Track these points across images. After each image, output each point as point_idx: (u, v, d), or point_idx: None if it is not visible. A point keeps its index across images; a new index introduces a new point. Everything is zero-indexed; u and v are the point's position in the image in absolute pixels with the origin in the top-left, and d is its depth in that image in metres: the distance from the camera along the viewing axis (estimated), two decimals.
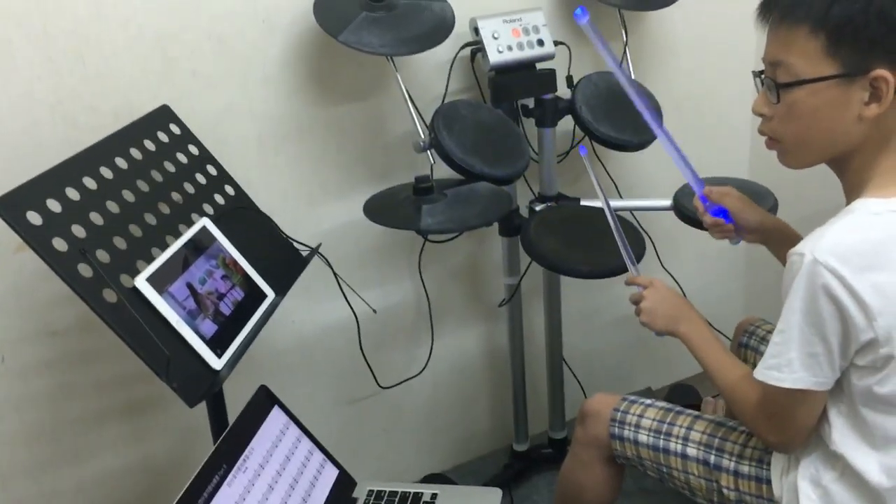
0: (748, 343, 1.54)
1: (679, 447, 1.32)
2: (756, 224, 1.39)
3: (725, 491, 1.27)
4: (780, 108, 1.09)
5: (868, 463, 1.08)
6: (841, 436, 1.10)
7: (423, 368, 1.95)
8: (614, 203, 1.82)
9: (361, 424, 1.97)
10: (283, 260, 1.50)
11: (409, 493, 1.37)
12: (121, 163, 1.28)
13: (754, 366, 1.45)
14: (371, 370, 1.85)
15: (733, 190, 1.42)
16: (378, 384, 1.88)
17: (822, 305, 1.02)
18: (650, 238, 2.00)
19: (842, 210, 1.07)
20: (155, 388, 1.14)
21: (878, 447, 1.08)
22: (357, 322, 1.77)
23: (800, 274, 1.02)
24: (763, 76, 1.12)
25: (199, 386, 1.17)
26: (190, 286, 1.21)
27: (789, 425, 1.13)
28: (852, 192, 1.10)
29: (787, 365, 1.06)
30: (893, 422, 1.06)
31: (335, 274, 1.64)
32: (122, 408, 1.64)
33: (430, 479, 2.00)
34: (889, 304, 1.00)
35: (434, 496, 1.36)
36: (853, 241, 1.02)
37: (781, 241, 1.37)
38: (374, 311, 1.82)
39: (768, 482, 1.22)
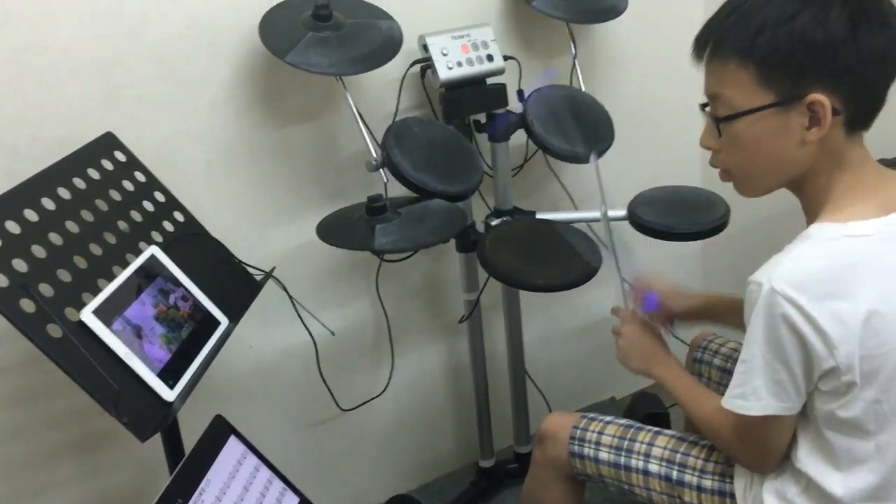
0: (702, 358, 1.55)
1: (640, 464, 1.31)
2: (685, 307, 1.45)
3: None
4: (724, 140, 1.10)
5: (832, 483, 1.08)
6: (806, 455, 1.10)
7: (385, 389, 1.93)
8: (569, 215, 1.83)
9: (324, 448, 1.94)
10: (236, 285, 1.48)
11: None
12: (63, 193, 1.25)
13: (709, 380, 1.47)
14: (331, 393, 1.83)
15: (657, 276, 1.48)
16: (339, 407, 1.86)
17: (783, 334, 1.01)
18: (612, 249, 2.01)
19: (799, 236, 1.07)
20: (108, 422, 1.11)
21: (843, 468, 1.08)
22: (315, 345, 1.75)
23: (758, 303, 1.02)
24: (706, 109, 1.13)
25: (152, 419, 1.14)
26: (140, 316, 1.18)
27: (762, 449, 1.13)
28: (811, 214, 1.10)
29: (753, 393, 1.06)
30: (857, 444, 1.06)
31: (290, 297, 1.62)
32: (76, 444, 1.60)
33: (394, 500, 1.97)
34: (848, 333, 0.99)
35: None
36: (810, 270, 1.01)
37: (727, 310, 1.42)
38: (333, 333, 1.80)
39: (732, 496, 1.22)
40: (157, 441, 1.32)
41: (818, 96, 1.00)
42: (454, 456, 2.17)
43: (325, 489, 1.94)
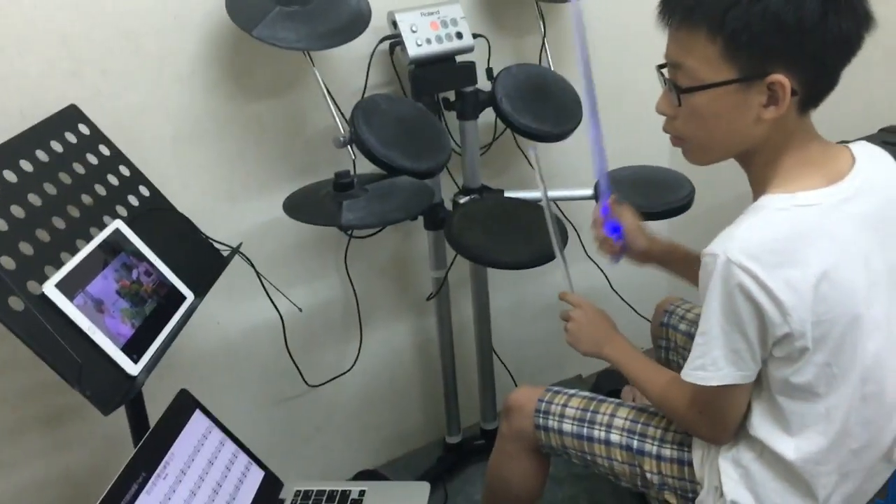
0: (669, 322, 1.57)
1: (602, 434, 1.34)
2: (643, 248, 1.46)
3: (649, 475, 1.30)
4: (682, 110, 1.11)
5: (784, 444, 1.11)
6: (759, 421, 1.13)
7: (353, 365, 1.94)
8: (537, 194, 1.84)
9: (292, 424, 1.95)
10: (202, 261, 1.47)
11: (337, 491, 1.36)
12: (26, 165, 1.23)
13: (675, 344, 1.50)
14: (298, 369, 1.83)
15: (632, 208, 1.48)
16: (306, 383, 1.86)
17: (739, 304, 1.03)
18: (574, 227, 2.03)
19: (749, 208, 1.09)
20: (73, 396, 1.10)
21: (794, 433, 1.11)
22: (282, 321, 1.75)
23: (714, 274, 1.04)
24: (665, 76, 1.13)
25: (115, 393, 1.14)
26: (103, 291, 1.18)
27: (720, 419, 1.16)
28: (758, 186, 1.13)
29: (713, 364, 1.08)
30: (808, 408, 1.09)
31: (257, 273, 1.61)
32: (40, 418, 1.59)
33: (361, 475, 1.99)
34: (801, 299, 1.02)
35: (362, 493, 1.35)
36: (763, 239, 1.03)
37: (678, 262, 1.44)
38: (300, 309, 1.80)
39: (690, 464, 1.25)
40: (122, 416, 1.32)
41: (779, 77, 1.02)
42: (422, 432, 2.19)
43: (292, 465, 1.95)
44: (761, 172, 1.12)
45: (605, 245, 1.46)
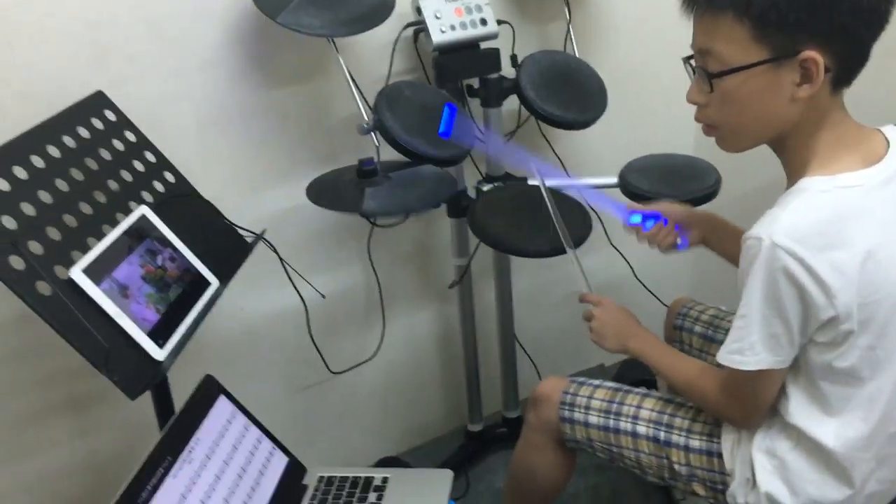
0: (682, 325, 1.56)
1: (629, 426, 1.33)
2: (685, 216, 1.44)
3: (677, 467, 1.28)
4: (714, 96, 1.09)
5: (824, 431, 1.10)
6: (797, 407, 1.12)
7: (375, 353, 1.94)
8: (562, 182, 1.83)
9: (314, 411, 1.96)
10: (226, 247, 1.47)
11: (361, 478, 1.36)
12: (53, 151, 1.24)
13: (690, 346, 1.48)
14: (321, 356, 1.83)
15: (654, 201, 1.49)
16: (329, 370, 1.87)
17: (783, 288, 1.02)
18: (598, 216, 2.01)
19: (790, 190, 1.08)
20: (99, 381, 1.11)
21: (834, 414, 1.10)
22: (305, 308, 1.76)
23: (759, 258, 1.03)
24: (694, 64, 1.12)
25: (141, 377, 1.15)
26: (128, 276, 1.18)
27: (752, 403, 1.15)
28: (795, 171, 1.11)
29: (750, 348, 1.08)
30: (851, 393, 1.09)
31: (281, 259, 1.61)
32: (66, 403, 1.61)
33: (383, 462, 1.99)
34: (847, 281, 1.01)
35: (385, 480, 1.35)
36: (809, 222, 1.02)
37: (718, 232, 1.43)
38: (323, 296, 1.81)
39: (719, 456, 1.24)
40: (147, 402, 1.32)
41: (812, 53, 1.00)
42: (443, 420, 2.19)
43: (315, 452, 1.94)
44: (797, 156, 1.10)
45: (658, 236, 1.45)
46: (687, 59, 1.13)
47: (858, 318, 1.03)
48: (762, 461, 1.16)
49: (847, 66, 1.04)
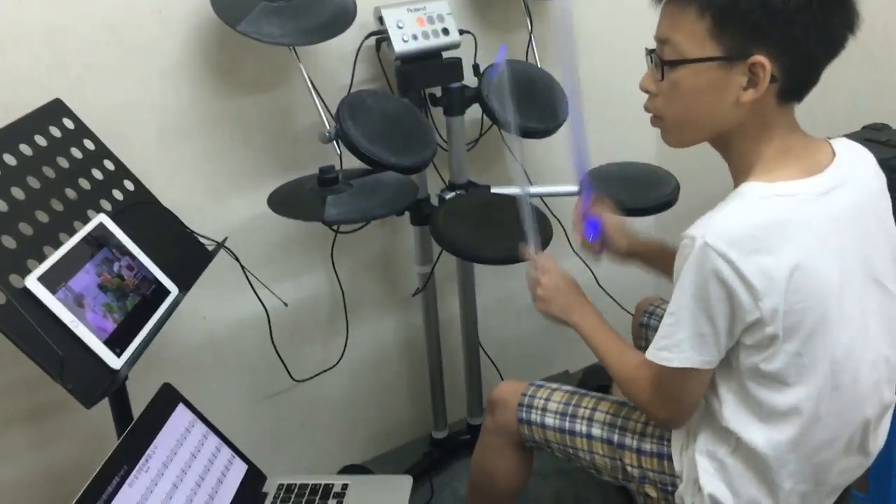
0: (648, 323, 1.58)
1: (584, 428, 1.35)
2: (622, 248, 1.46)
3: (629, 468, 1.30)
4: (664, 85, 1.12)
5: (757, 437, 1.12)
6: (731, 412, 1.14)
7: (339, 360, 1.95)
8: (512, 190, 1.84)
9: (278, 420, 1.95)
10: (187, 255, 1.47)
11: (320, 485, 1.37)
12: (9, 159, 1.23)
13: None
14: (284, 364, 1.83)
15: (612, 205, 1.48)
16: (292, 378, 1.87)
17: (712, 288, 1.05)
18: (560, 224, 2.03)
19: (731, 194, 1.10)
20: (58, 392, 1.11)
21: (765, 421, 1.12)
22: (268, 316, 1.76)
23: (691, 257, 1.05)
24: (652, 54, 1.15)
25: (97, 386, 1.14)
26: (84, 285, 1.18)
27: (676, 402, 1.17)
28: (739, 174, 1.14)
29: (677, 346, 1.10)
30: (778, 397, 1.10)
31: (242, 267, 1.61)
32: (25, 414, 1.59)
33: (347, 470, 1.99)
34: (774, 287, 1.03)
35: (345, 486, 1.36)
36: (741, 225, 1.05)
37: (661, 259, 1.44)
38: (286, 304, 1.81)
39: (669, 458, 1.26)
40: (107, 411, 1.32)
41: (761, 59, 1.03)
42: (408, 427, 2.19)
43: (278, 460, 1.95)
44: (741, 160, 1.13)
45: (585, 244, 1.46)
46: (649, 52, 1.16)
47: (784, 324, 1.05)
48: (704, 464, 1.18)
49: (795, 79, 1.07)
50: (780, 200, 1.06)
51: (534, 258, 1.39)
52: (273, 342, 1.79)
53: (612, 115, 2.15)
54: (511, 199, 1.73)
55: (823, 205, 1.08)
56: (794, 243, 1.04)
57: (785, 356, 1.07)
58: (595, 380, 2.14)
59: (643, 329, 1.59)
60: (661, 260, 1.45)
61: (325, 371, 1.94)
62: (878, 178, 1.18)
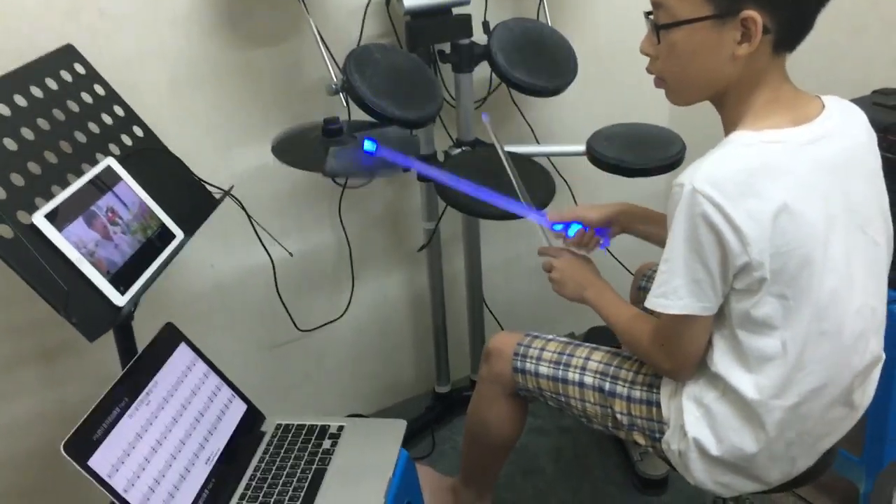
0: (646, 286, 1.59)
1: (577, 377, 1.37)
2: (602, 217, 1.48)
3: (619, 416, 1.33)
4: (662, 48, 1.15)
5: (744, 382, 1.15)
6: (720, 356, 1.17)
7: (344, 313, 1.98)
8: (530, 148, 1.86)
9: (282, 369, 1.99)
10: (193, 202, 1.50)
11: (317, 425, 1.40)
12: (20, 100, 1.26)
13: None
14: (289, 314, 1.87)
15: (570, 206, 1.54)
16: (297, 328, 1.90)
17: (702, 233, 1.07)
18: (567, 183, 2.05)
19: (719, 143, 1.13)
20: (69, 332, 1.14)
21: (752, 368, 1.14)
22: (273, 266, 1.79)
23: (681, 203, 1.08)
24: (650, 17, 1.16)
25: (101, 321, 1.18)
26: (92, 224, 1.21)
27: (678, 351, 1.19)
28: (729, 126, 1.16)
29: (674, 292, 1.12)
30: (765, 342, 1.13)
31: (249, 217, 1.64)
32: (36, 353, 1.64)
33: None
34: (761, 230, 1.06)
35: (340, 428, 1.39)
36: (727, 170, 1.07)
37: (636, 220, 1.48)
38: (291, 254, 1.83)
39: (658, 405, 1.28)
40: (115, 353, 1.35)
41: (752, 13, 1.05)
42: (412, 382, 2.23)
43: (281, 409, 1.98)
44: (733, 112, 1.15)
45: (581, 242, 1.50)
46: (647, 14, 1.17)
47: (770, 268, 1.07)
48: (691, 409, 1.21)
49: (788, 29, 1.09)
50: (766, 146, 1.08)
51: (548, 250, 1.46)
52: (278, 291, 1.82)
53: (623, 77, 2.15)
54: (515, 158, 1.74)
55: (809, 152, 1.10)
56: (779, 187, 1.06)
57: (772, 299, 1.10)
58: (599, 340, 2.15)
59: (641, 292, 1.61)
60: (635, 220, 1.49)
61: (330, 322, 1.97)
62: (868, 134, 1.20)
